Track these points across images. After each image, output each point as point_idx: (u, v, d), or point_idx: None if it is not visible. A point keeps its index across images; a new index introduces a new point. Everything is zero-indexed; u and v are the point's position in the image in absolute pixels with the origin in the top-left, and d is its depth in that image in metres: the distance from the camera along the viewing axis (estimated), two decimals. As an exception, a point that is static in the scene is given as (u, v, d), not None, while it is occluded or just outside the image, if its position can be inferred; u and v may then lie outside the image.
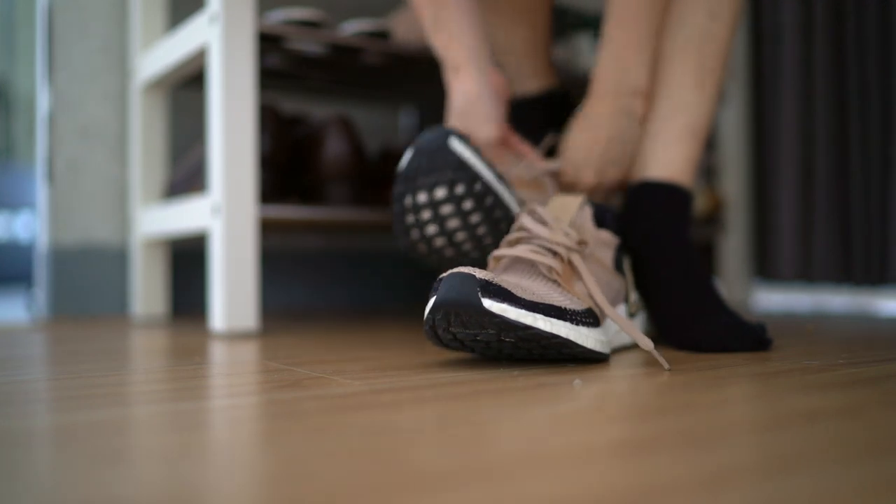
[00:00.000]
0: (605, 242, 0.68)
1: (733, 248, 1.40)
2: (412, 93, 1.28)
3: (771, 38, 1.38)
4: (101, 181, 1.19)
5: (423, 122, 1.47)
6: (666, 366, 0.58)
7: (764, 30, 1.39)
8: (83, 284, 1.17)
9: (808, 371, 0.55)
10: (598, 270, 0.67)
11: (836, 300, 1.35)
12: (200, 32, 0.93)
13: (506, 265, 0.64)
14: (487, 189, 0.66)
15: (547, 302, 0.57)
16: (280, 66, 1.08)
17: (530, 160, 0.79)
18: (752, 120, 1.44)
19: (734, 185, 1.40)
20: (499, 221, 0.69)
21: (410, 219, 0.68)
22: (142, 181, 1.14)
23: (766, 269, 1.38)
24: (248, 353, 0.69)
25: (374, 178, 1.13)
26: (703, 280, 0.74)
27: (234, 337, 0.84)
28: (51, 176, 1.16)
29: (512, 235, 0.65)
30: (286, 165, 1.03)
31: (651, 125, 0.81)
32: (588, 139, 0.79)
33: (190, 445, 0.34)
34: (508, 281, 0.58)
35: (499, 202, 0.67)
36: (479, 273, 0.56)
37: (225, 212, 0.87)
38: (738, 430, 0.36)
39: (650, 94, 0.81)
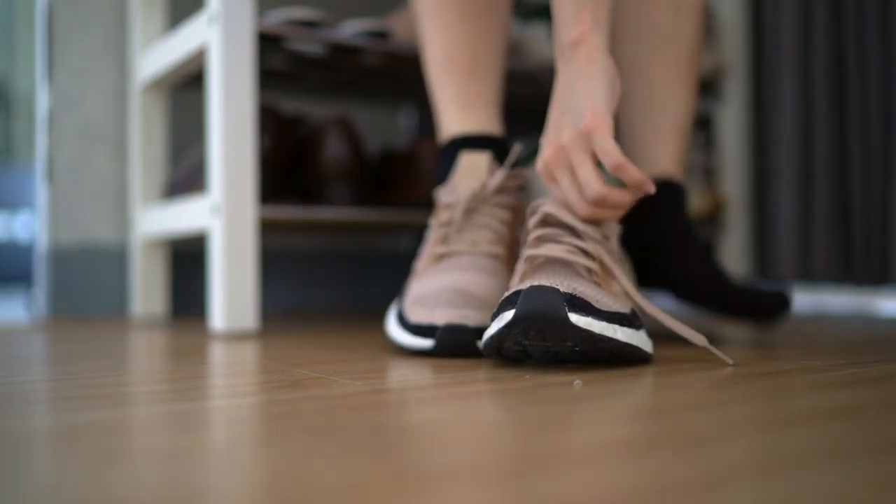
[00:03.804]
0: (613, 231, 0.67)
1: (733, 248, 1.40)
2: (412, 93, 1.28)
3: (771, 38, 1.38)
4: (101, 181, 1.19)
5: (423, 121, 1.47)
6: (730, 361, 0.59)
7: (764, 30, 1.39)
8: (83, 284, 1.17)
9: (808, 371, 0.55)
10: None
11: (837, 300, 1.35)
12: (200, 32, 0.93)
13: (539, 265, 0.63)
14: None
15: (614, 310, 0.57)
16: (280, 66, 1.08)
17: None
18: (752, 120, 1.44)
19: (734, 185, 1.40)
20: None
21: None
22: (142, 181, 1.14)
23: (766, 269, 1.38)
24: (248, 353, 0.69)
25: (373, 178, 1.13)
26: (715, 262, 0.78)
27: (233, 337, 0.84)
28: (51, 176, 1.16)
29: (534, 234, 0.65)
30: (286, 165, 1.03)
31: (633, 125, 0.81)
32: (551, 111, 0.68)
33: (190, 445, 0.34)
34: (581, 290, 0.57)
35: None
36: (561, 286, 0.56)
37: (225, 212, 0.87)
38: (738, 430, 0.36)
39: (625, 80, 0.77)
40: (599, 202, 0.62)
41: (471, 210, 0.72)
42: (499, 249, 0.71)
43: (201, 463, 0.31)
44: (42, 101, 1.18)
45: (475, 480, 0.28)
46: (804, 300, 1.39)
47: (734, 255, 1.40)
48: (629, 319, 0.58)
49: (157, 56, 1.07)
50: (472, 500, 0.26)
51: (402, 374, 0.55)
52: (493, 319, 0.59)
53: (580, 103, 0.62)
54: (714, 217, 1.39)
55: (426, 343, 0.64)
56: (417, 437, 0.35)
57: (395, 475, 0.29)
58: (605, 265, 0.63)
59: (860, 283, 1.26)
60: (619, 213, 0.64)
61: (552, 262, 0.62)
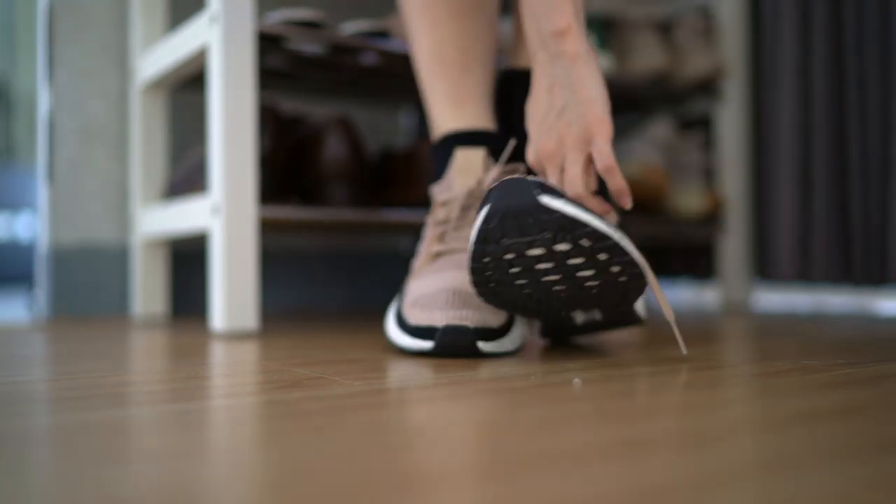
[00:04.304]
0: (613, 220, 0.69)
1: (733, 248, 1.40)
2: (412, 93, 1.28)
3: (771, 38, 1.38)
4: (101, 181, 1.19)
5: (423, 122, 1.47)
6: (684, 351, 0.64)
7: (764, 30, 1.39)
8: (83, 284, 1.17)
9: (807, 371, 0.55)
10: None
11: (836, 300, 1.35)
12: (200, 33, 0.93)
13: None
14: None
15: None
16: (280, 66, 1.08)
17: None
18: (752, 120, 1.44)
19: (734, 185, 1.40)
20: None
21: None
22: (142, 181, 1.14)
23: (766, 269, 1.38)
24: (248, 353, 0.69)
25: (373, 178, 1.13)
26: None
27: (233, 337, 0.84)
28: (51, 176, 1.16)
29: None
30: (286, 165, 1.03)
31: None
32: (533, 108, 0.67)
33: (189, 445, 0.34)
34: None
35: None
36: (531, 176, 0.57)
37: (225, 212, 0.87)
38: (738, 430, 0.36)
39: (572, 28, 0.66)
40: (584, 201, 0.64)
41: (467, 207, 0.72)
42: None
43: (201, 463, 0.31)
44: (42, 102, 1.18)
45: (475, 480, 0.28)
46: (804, 300, 1.39)
47: (734, 255, 1.40)
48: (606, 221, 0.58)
49: (158, 56, 1.07)
50: (472, 499, 0.26)
51: (402, 374, 0.55)
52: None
53: (582, 104, 0.63)
54: (714, 217, 1.39)
55: (426, 345, 0.64)
56: (417, 437, 0.35)
57: (395, 475, 0.29)
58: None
59: (859, 283, 1.26)
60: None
61: None
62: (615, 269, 0.58)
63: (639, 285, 0.60)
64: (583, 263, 0.58)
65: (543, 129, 0.66)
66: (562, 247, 0.57)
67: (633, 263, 0.59)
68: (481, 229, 0.57)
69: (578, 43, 0.64)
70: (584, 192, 0.63)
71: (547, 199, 0.55)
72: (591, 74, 0.63)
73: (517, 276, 0.59)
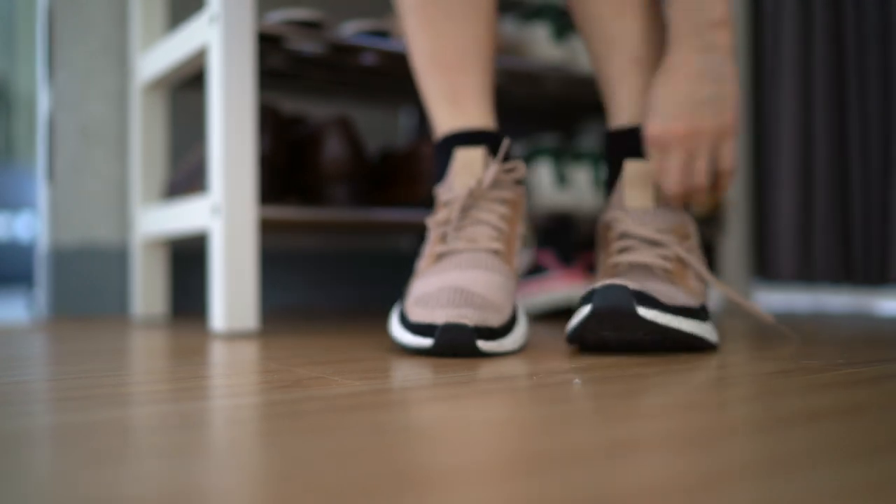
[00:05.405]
0: (692, 229, 0.75)
1: (733, 248, 1.40)
2: (412, 93, 1.28)
3: (771, 37, 1.38)
4: (101, 181, 1.19)
5: (423, 121, 1.47)
6: (793, 336, 0.71)
7: (764, 30, 1.39)
8: (83, 284, 1.17)
9: (808, 371, 0.55)
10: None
11: (836, 300, 1.35)
12: (200, 32, 0.93)
13: (621, 270, 0.70)
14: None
15: (682, 304, 0.65)
16: (280, 66, 1.08)
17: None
18: (753, 120, 1.44)
19: (734, 185, 1.40)
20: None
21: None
22: (142, 181, 1.14)
23: (766, 268, 1.38)
24: (248, 353, 0.69)
25: (373, 178, 1.13)
26: None
27: (233, 337, 0.84)
28: (51, 176, 1.16)
29: (616, 245, 0.72)
30: (286, 165, 1.03)
31: (596, 63, 0.80)
32: (671, 89, 0.70)
33: (190, 445, 0.34)
34: (652, 288, 0.65)
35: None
36: (630, 284, 0.63)
37: (225, 212, 0.87)
38: (738, 430, 0.36)
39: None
40: (696, 191, 0.70)
41: (468, 207, 0.72)
42: (498, 245, 0.71)
43: (201, 462, 0.31)
44: (42, 102, 1.18)
45: (475, 480, 0.28)
46: (804, 300, 1.39)
47: (734, 255, 1.40)
48: (695, 312, 0.66)
49: (158, 56, 1.07)
50: (473, 500, 0.26)
51: (403, 374, 0.55)
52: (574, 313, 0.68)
53: (725, 101, 0.69)
54: (714, 217, 1.39)
55: (425, 342, 0.64)
56: (418, 437, 0.35)
57: (395, 475, 0.29)
58: (682, 259, 0.70)
59: (860, 283, 1.26)
60: (698, 203, 0.73)
61: (634, 267, 0.70)
62: (695, 345, 0.66)
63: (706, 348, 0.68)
64: (667, 342, 0.65)
65: (678, 113, 0.70)
66: (652, 337, 0.64)
67: (711, 344, 0.67)
68: (581, 323, 0.63)
69: (731, 38, 0.69)
70: (705, 185, 0.70)
71: (643, 312, 0.61)
72: (736, 73, 0.69)
73: (606, 342, 0.66)
